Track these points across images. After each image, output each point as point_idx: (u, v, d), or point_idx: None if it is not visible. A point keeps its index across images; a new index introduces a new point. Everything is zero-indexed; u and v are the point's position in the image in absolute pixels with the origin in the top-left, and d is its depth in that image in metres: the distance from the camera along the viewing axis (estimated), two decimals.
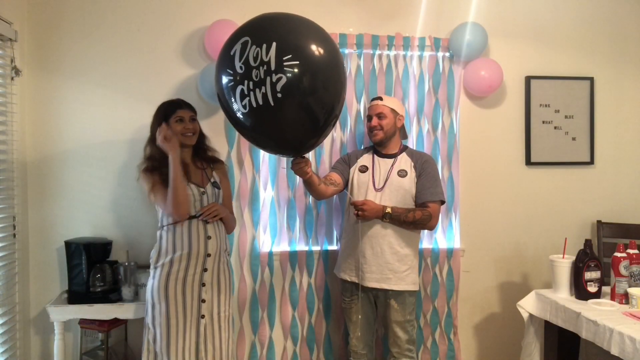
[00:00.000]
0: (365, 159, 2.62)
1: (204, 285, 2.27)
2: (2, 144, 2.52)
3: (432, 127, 2.97)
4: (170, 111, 2.29)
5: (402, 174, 2.52)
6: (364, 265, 2.47)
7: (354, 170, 2.60)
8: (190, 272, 2.24)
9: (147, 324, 2.27)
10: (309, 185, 2.41)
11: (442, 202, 2.56)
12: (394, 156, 2.57)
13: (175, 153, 2.16)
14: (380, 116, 2.53)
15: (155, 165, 2.25)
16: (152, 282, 2.26)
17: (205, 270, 2.27)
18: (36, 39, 2.70)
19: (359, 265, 2.48)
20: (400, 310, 2.48)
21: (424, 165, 2.52)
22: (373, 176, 2.55)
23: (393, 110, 2.54)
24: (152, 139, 2.29)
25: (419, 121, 2.96)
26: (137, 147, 2.76)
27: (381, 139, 2.54)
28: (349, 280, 2.54)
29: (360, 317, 2.54)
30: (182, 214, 2.20)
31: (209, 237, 2.27)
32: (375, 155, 2.60)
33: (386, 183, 2.51)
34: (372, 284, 2.47)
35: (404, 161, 2.55)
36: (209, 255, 2.27)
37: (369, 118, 2.58)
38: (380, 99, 2.58)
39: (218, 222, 2.34)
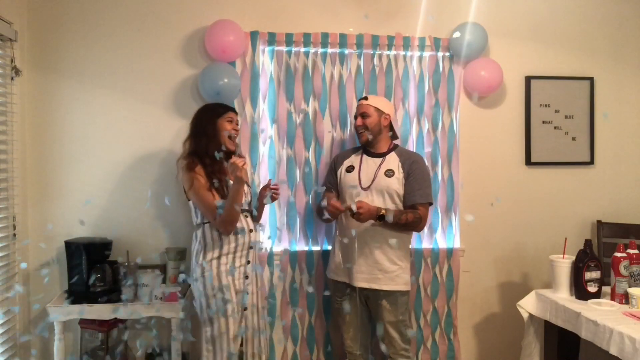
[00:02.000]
0: (353, 159, 2.61)
1: (247, 277, 2.34)
2: (2, 144, 2.52)
3: (432, 127, 2.97)
4: (222, 111, 2.40)
5: (389, 173, 2.50)
6: (354, 266, 2.47)
7: (341, 172, 2.60)
8: (237, 264, 2.32)
9: (204, 320, 2.29)
10: (332, 218, 2.52)
11: (430, 204, 2.56)
12: (382, 155, 2.56)
13: (243, 184, 2.21)
14: (364, 115, 2.53)
15: (197, 162, 2.30)
16: (202, 280, 2.28)
17: (248, 262, 2.34)
18: (36, 39, 2.70)
19: (349, 265, 2.48)
20: (392, 310, 2.47)
21: (412, 166, 2.50)
22: (360, 175, 2.54)
23: (377, 109, 2.53)
24: (193, 134, 2.38)
25: (419, 121, 2.96)
26: (137, 147, 2.78)
27: (367, 139, 2.53)
28: (340, 280, 2.55)
29: (352, 317, 2.54)
30: (229, 232, 2.28)
31: (251, 230, 2.36)
32: (364, 155, 2.59)
33: (373, 182, 2.50)
34: (361, 284, 2.47)
35: (392, 160, 2.53)
36: (251, 247, 2.35)
37: (355, 118, 2.58)
38: (366, 98, 2.57)
39: (253, 216, 2.46)
